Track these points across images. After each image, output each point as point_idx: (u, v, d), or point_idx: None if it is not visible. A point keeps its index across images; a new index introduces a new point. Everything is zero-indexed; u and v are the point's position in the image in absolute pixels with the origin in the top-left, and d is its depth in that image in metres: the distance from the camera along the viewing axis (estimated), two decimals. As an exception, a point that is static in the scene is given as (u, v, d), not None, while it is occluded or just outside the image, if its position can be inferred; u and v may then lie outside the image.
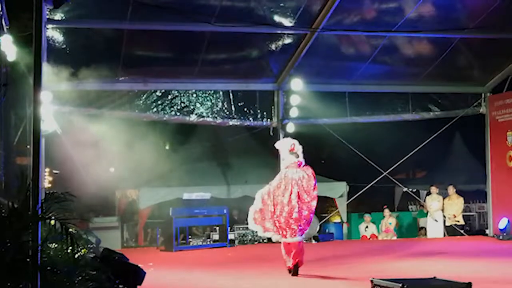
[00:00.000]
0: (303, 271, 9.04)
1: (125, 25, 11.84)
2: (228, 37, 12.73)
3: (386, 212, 16.18)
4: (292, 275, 8.96)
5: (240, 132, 15.93)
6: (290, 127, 14.30)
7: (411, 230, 17.18)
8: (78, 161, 12.95)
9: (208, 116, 14.18)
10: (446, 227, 15.27)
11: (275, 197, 9.06)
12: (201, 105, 14.11)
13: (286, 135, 14.11)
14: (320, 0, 11.90)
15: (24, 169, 9.23)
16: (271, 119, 14.63)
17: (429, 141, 15.73)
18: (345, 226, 16.78)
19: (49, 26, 11.39)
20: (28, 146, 7.54)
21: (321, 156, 22.10)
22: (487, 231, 15.52)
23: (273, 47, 13.26)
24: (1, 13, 9.37)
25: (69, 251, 5.48)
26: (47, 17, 10.74)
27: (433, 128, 15.93)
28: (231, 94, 14.28)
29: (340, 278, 8.73)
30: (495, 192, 15.10)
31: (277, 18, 12.29)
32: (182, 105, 13.97)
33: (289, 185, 9.02)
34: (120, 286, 6.91)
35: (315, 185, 9.25)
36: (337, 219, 17.90)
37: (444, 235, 15.20)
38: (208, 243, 13.75)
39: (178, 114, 13.95)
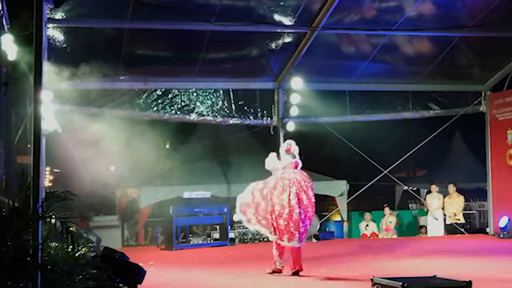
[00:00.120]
0: (303, 270, 9.04)
1: (126, 24, 11.85)
2: (228, 36, 12.74)
3: (387, 210, 16.20)
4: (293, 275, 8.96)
5: (240, 131, 15.94)
6: (290, 126, 14.30)
7: (411, 229, 17.19)
8: (78, 160, 12.97)
9: (209, 115, 14.19)
10: (446, 225, 15.28)
11: (272, 197, 8.93)
12: (201, 104, 14.12)
13: (286, 134, 14.17)
14: (320, -1, 11.93)
15: (25, 168, 9.22)
16: (271, 117, 14.63)
17: (429, 140, 15.73)
18: (345, 224, 16.80)
19: (50, 25, 11.39)
20: (29, 145, 7.54)
21: (321, 154, 22.11)
22: (487, 230, 15.53)
23: (273, 46, 13.26)
24: (1, 12, 9.37)
25: (69, 250, 5.48)
26: (48, 16, 10.73)
27: (433, 127, 15.93)
28: (231, 93, 14.28)
29: (341, 277, 8.73)
30: (495, 190, 15.11)
31: (277, 17, 12.30)
32: (183, 104, 13.97)
33: (287, 186, 8.89)
34: (121, 285, 6.91)
35: (312, 189, 9.10)
36: (338, 218, 17.92)
37: (445, 234, 15.21)
38: (209, 241, 13.76)
39: (178, 113, 13.95)
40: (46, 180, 14.06)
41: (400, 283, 6.15)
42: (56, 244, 5.61)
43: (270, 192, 8.99)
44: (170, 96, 13.85)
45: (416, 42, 13.87)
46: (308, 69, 13.91)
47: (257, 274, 9.21)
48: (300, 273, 8.96)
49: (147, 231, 15.79)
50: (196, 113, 14.10)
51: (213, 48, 12.99)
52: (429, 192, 16.04)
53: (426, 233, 15.87)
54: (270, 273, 9.07)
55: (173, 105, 13.89)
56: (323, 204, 19.64)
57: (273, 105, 14.64)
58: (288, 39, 13.12)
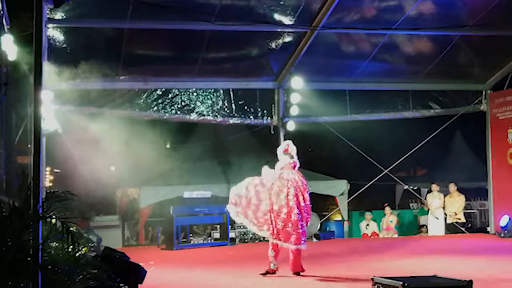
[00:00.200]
0: (305, 270, 9.03)
1: (126, 24, 11.85)
2: (228, 36, 12.74)
3: (387, 210, 16.19)
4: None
5: (240, 131, 15.94)
6: (291, 125, 14.30)
7: (412, 228, 17.19)
8: (78, 160, 12.97)
9: (209, 115, 14.19)
10: (447, 224, 15.27)
11: (271, 197, 8.85)
12: (201, 104, 14.12)
13: (287, 133, 14.17)
14: (320, -2, 11.93)
15: (25, 168, 9.22)
16: (271, 117, 14.63)
17: (429, 139, 15.73)
18: (346, 224, 16.80)
19: (50, 25, 11.39)
20: (29, 145, 7.54)
21: (321, 154, 22.10)
22: (488, 229, 15.52)
23: (273, 45, 13.26)
24: (1, 12, 9.36)
25: (70, 250, 5.48)
26: (48, 16, 10.73)
27: (434, 126, 15.93)
28: (231, 93, 14.28)
29: (341, 276, 8.72)
30: (496, 189, 15.11)
31: (277, 16, 12.30)
32: (183, 103, 13.98)
33: (285, 187, 8.83)
34: (121, 284, 6.91)
35: (308, 191, 9.05)
36: (338, 217, 17.93)
37: (445, 233, 15.20)
38: (209, 241, 13.76)
39: (178, 112, 13.95)
40: (47, 180, 14.05)
41: (401, 283, 6.14)
42: (57, 244, 5.62)
43: (269, 192, 8.92)
44: (170, 96, 13.85)
45: (416, 41, 13.86)
46: (308, 69, 13.91)
47: (258, 274, 9.20)
48: (301, 273, 8.94)
49: (148, 231, 15.79)
50: (196, 113, 14.10)
51: (213, 48, 12.99)
52: (429, 191, 16.03)
53: (426, 232, 15.86)
54: (263, 274, 8.96)
55: (173, 105, 13.89)
56: (324, 203, 19.67)
57: (273, 105, 14.64)
58: (288, 39, 13.12)
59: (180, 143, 18.04)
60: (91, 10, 11.46)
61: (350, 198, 16.37)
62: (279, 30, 12.82)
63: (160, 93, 13.78)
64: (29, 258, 5.27)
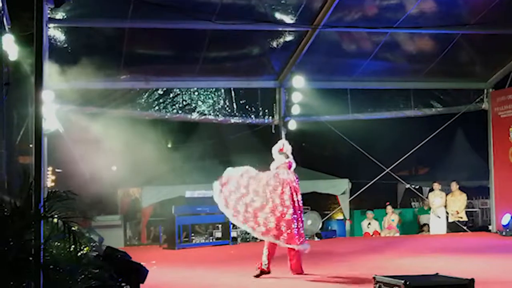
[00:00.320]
0: (305, 269, 9.02)
1: (126, 23, 11.84)
2: (229, 35, 12.73)
3: (389, 209, 16.19)
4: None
5: (242, 130, 15.94)
6: (292, 125, 14.29)
7: (413, 227, 17.18)
8: (80, 160, 12.97)
9: (210, 114, 14.18)
10: (449, 223, 15.26)
11: (266, 194, 8.74)
12: (202, 103, 14.11)
13: (288, 133, 14.17)
14: (321, -3, 11.92)
15: (27, 168, 9.24)
16: (272, 116, 14.63)
17: (431, 138, 15.72)
18: (347, 223, 16.80)
19: (51, 25, 11.39)
20: (31, 145, 7.55)
21: (323, 153, 22.10)
22: (490, 227, 15.51)
23: (274, 44, 13.25)
24: (2, 12, 9.37)
25: (71, 249, 5.49)
26: (49, 16, 10.73)
27: (435, 125, 15.92)
28: (232, 92, 14.27)
29: (343, 275, 8.71)
30: (498, 188, 15.09)
31: (278, 15, 12.28)
32: (184, 103, 13.97)
33: (280, 186, 8.75)
34: (123, 284, 6.90)
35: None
36: (340, 216, 17.91)
37: (447, 232, 15.20)
38: (211, 241, 13.75)
39: (179, 112, 13.95)
40: (48, 180, 14.08)
41: (402, 281, 6.14)
42: (58, 244, 5.62)
43: (263, 188, 8.78)
44: (171, 95, 13.85)
45: (418, 40, 13.84)
46: (309, 68, 13.90)
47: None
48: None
49: (150, 231, 15.80)
50: (198, 112, 14.10)
51: (214, 47, 12.98)
52: (431, 190, 16.02)
53: (428, 231, 15.85)
54: (257, 276, 8.79)
55: (174, 105, 13.89)
56: (325, 202, 19.69)
57: (274, 104, 14.63)
58: (289, 38, 13.11)
59: (182, 143, 18.05)
60: (91, 9, 11.46)
61: (352, 197, 16.36)
62: (280, 29, 12.81)
63: (161, 92, 13.77)
64: (31, 258, 5.27)
